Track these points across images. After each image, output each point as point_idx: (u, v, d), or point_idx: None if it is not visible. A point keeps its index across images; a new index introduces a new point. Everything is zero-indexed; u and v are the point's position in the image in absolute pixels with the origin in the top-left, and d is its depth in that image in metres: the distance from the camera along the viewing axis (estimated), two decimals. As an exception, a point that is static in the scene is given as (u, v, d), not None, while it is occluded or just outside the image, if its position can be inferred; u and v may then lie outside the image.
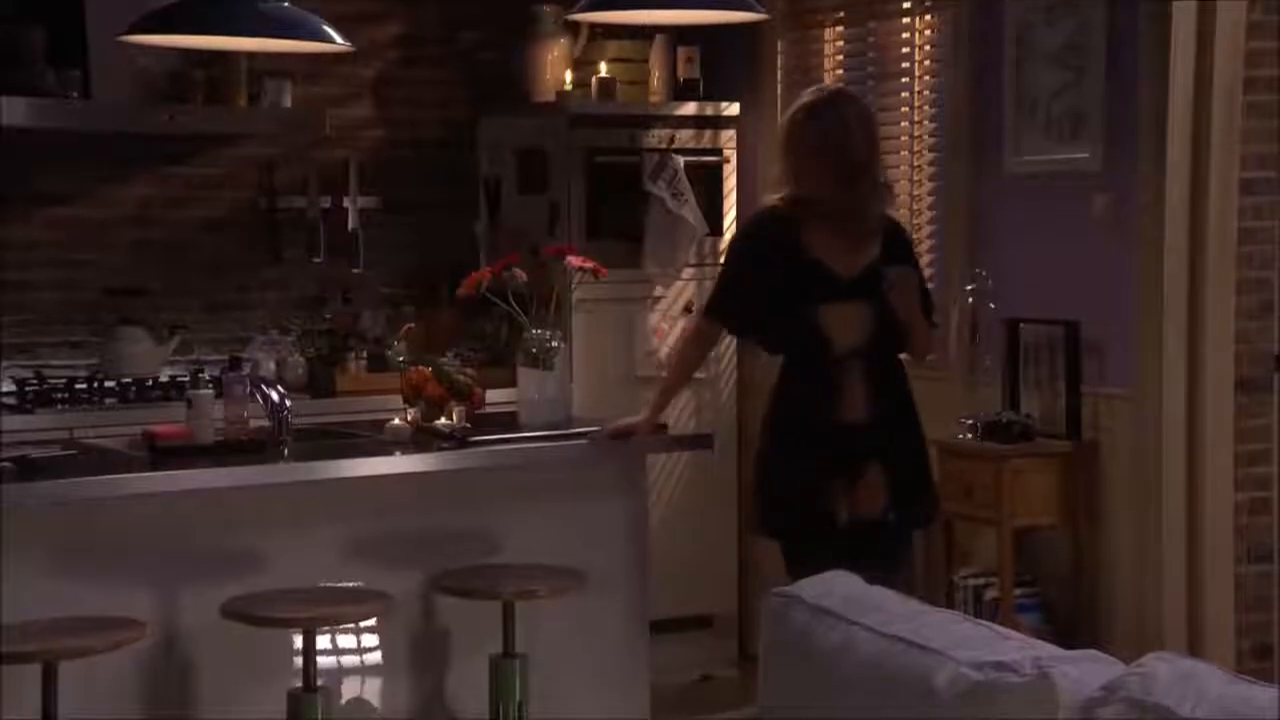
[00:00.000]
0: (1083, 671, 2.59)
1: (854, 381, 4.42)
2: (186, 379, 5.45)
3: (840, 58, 6.27)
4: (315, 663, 4.08)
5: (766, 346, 4.81)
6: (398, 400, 4.77)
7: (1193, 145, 5.01)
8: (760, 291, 4.47)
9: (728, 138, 6.31)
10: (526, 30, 6.33)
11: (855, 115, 4.48)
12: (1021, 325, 5.38)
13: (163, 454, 4.30)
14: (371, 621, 4.40)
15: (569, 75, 6.32)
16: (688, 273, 6.19)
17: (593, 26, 6.26)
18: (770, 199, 4.60)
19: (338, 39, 4.60)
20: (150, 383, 5.67)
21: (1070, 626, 5.23)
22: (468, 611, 4.41)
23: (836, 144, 4.39)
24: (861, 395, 4.42)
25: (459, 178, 6.45)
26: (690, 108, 6.30)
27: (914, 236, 5.93)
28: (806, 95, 4.52)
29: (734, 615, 6.31)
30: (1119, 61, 5.15)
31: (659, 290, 6.17)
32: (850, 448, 4.42)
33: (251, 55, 5.82)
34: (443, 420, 4.61)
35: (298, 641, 4.11)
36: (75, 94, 5.57)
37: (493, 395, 4.96)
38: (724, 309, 4.57)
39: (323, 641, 4.28)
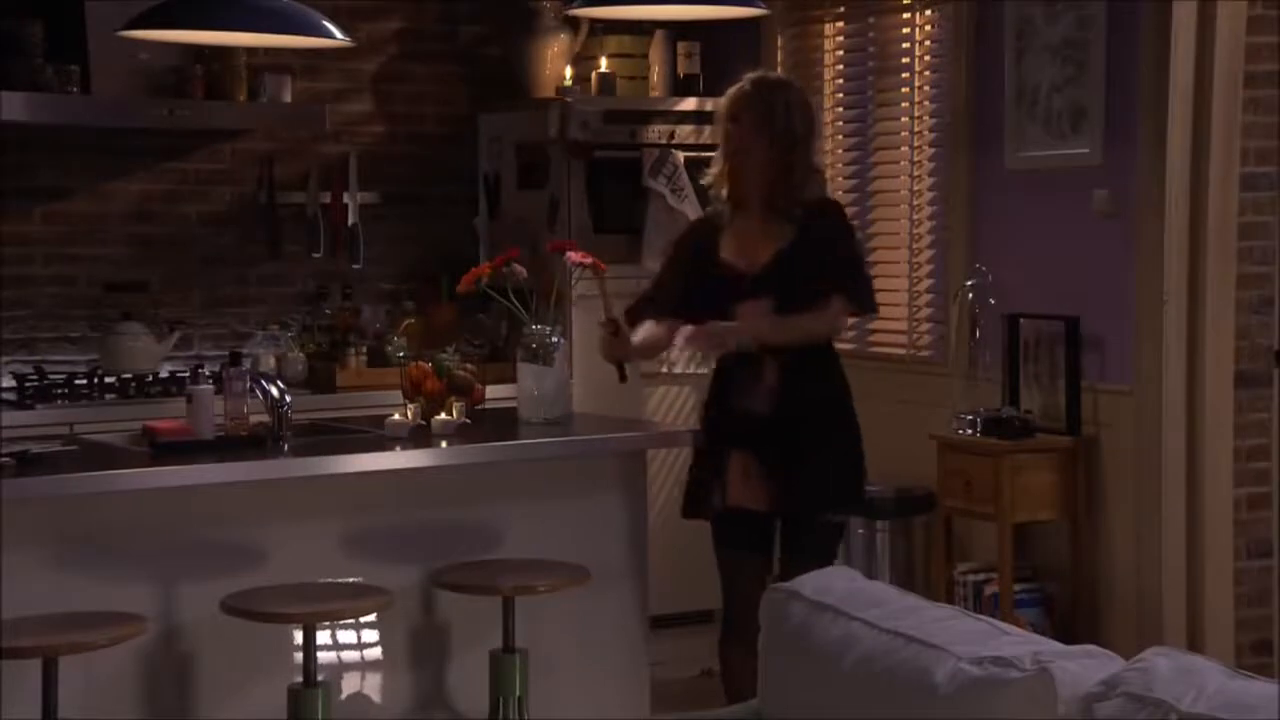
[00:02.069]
0: (1082, 667, 2.60)
1: (764, 375, 4.47)
2: (186, 374, 5.47)
3: (840, 53, 6.27)
4: (315, 658, 4.08)
5: None
6: (398, 395, 4.77)
7: (1193, 140, 5.02)
8: (676, 294, 4.64)
9: (728, 133, 6.30)
10: (526, 25, 6.32)
11: (795, 97, 4.57)
12: (1021, 321, 5.38)
13: (163, 449, 4.30)
14: (371, 617, 4.40)
15: (569, 70, 6.32)
16: (687, 268, 6.18)
17: (592, 22, 6.26)
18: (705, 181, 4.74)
19: (338, 34, 4.60)
20: (150, 378, 5.67)
21: (1070, 622, 5.24)
22: (467, 606, 4.41)
23: (777, 119, 4.47)
24: (770, 389, 4.47)
25: (459, 173, 6.45)
26: (690, 103, 6.29)
27: (916, 232, 5.94)
28: (751, 75, 4.62)
29: (734, 610, 6.30)
30: (1119, 56, 5.15)
31: (659, 285, 6.16)
32: (757, 440, 4.48)
33: (251, 50, 5.82)
34: (443, 415, 4.61)
35: (298, 637, 4.11)
36: (75, 89, 5.57)
37: (492, 391, 4.96)
38: (657, 310, 4.67)
39: (323, 637, 4.28)
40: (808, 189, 4.55)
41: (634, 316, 4.70)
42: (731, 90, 4.59)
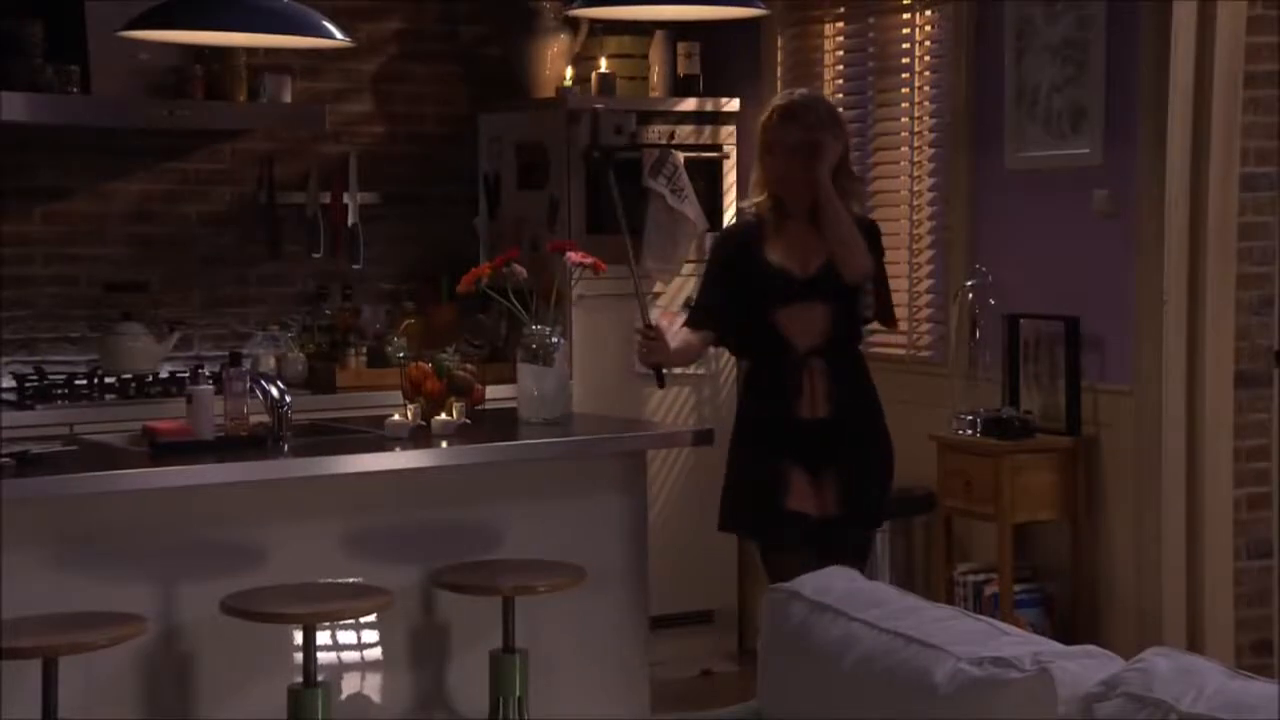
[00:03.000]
0: (1082, 667, 2.60)
1: (814, 379, 4.46)
2: (186, 375, 5.47)
3: (840, 53, 6.27)
4: (315, 658, 4.08)
5: (733, 350, 4.91)
6: (398, 396, 4.77)
7: (1193, 140, 5.02)
8: (726, 299, 4.56)
9: (728, 133, 6.31)
10: (526, 25, 6.32)
11: (828, 114, 4.54)
12: (1021, 321, 5.38)
13: (163, 450, 4.30)
14: (371, 617, 4.40)
15: (569, 71, 6.32)
16: (687, 268, 6.18)
17: (593, 22, 6.26)
18: (744, 205, 4.71)
19: (338, 34, 4.60)
20: (150, 378, 5.67)
21: (1070, 622, 5.24)
22: (467, 607, 4.41)
23: (811, 141, 4.44)
24: (822, 392, 4.46)
25: (459, 173, 6.45)
26: (690, 103, 6.29)
27: (916, 232, 5.95)
28: (780, 98, 4.59)
29: (734, 610, 6.31)
30: (1119, 56, 5.15)
31: (659, 286, 6.17)
32: (810, 445, 4.45)
33: (251, 50, 5.82)
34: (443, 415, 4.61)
35: (298, 637, 4.11)
36: (75, 89, 5.57)
37: (492, 391, 4.96)
38: (697, 320, 4.64)
39: (323, 637, 4.28)
40: (851, 200, 4.54)
41: (697, 323, 4.62)
42: (761, 120, 4.55)
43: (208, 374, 5.12)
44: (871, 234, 4.59)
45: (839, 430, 4.47)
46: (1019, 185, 5.51)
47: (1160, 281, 5.03)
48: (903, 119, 6.00)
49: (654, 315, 4.76)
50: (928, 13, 5.88)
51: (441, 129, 6.48)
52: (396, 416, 4.62)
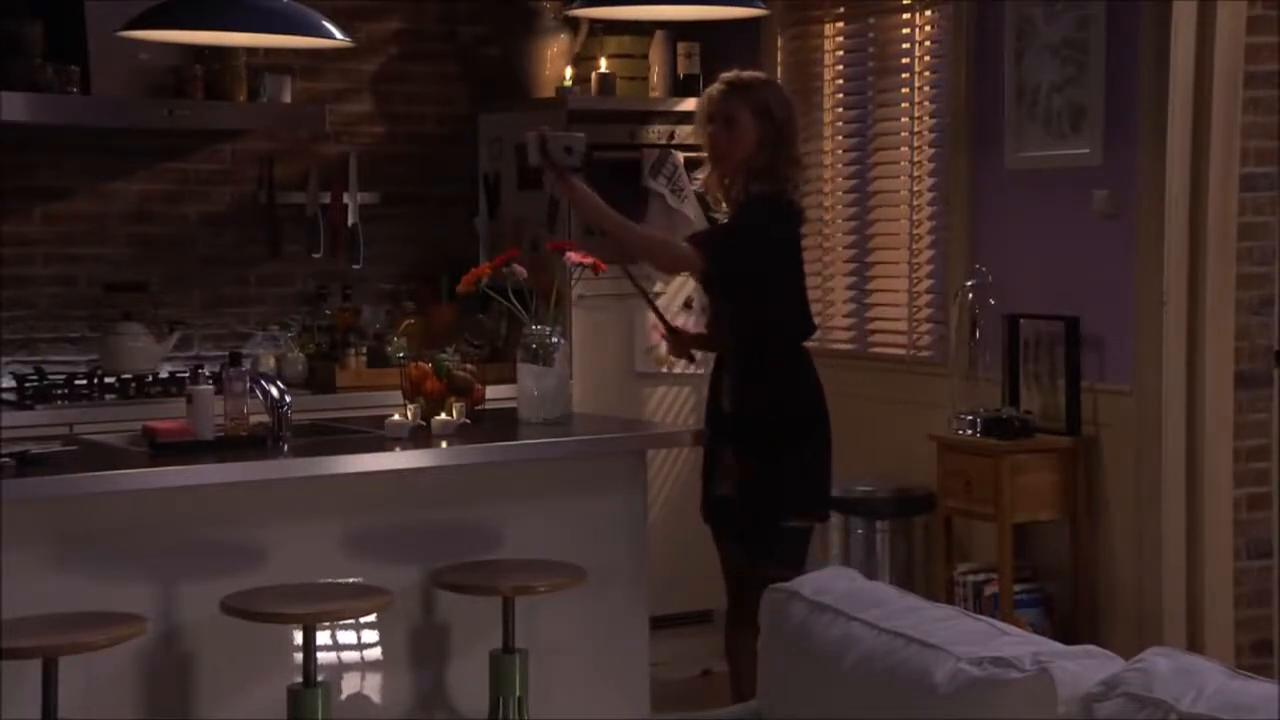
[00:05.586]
0: (1082, 667, 2.60)
1: (724, 373, 4.68)
2: (186, 375, 5.47)
3: (840, 53, 6.27)
4: (315, 658, 4.08)
5: None
6: (398, 396, 4.77)
7: (1193, 140, 5.02)
8: None
9: (728, 133, 6.30)
10: (526, 25, 6.33)
11: (770, 95, 4.66)
12: (1021, 321, 5.38)
13: (163, 450, 4.30)
14: (371, 617, 4.40)
15: (569, 71, 6.32)
16: (687, 268, 6.18)
17: (592, 22, 6.26)
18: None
19: (338, 34, 4.60)
20: (150, 379, 5.67)
21: (1070, 622, 5.24)
22: (467, 607, 4.41)
23: (729, 115, 4.58)
24: (726, 388, 4.64)
25: (459, 173, 6.45)
26: (690, 103, 6.27)
27: (916, 232, 5.94)
28: (724, 75, 4.70)
29: (734, 610, 6.30)
30: (1119, 56, 5.15)
31: (659, 286, 6.16)
32: (732, 437, 4.63)
33: (251, 50, 5.82)
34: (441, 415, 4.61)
35: (298, 637, 4.11)
36: (75, 89, 5.57)
37: (492, 391, 4.96)
38: None
39: (323, 637, 4.28)
40: (787, 182, 4.62)
41: None
42: (704, 95, 4.71)
43: (208, 374, 5.12)
44: (755, 203, 4.59)
45: (751, 426, 4.60)
46: (1019, 185, 5.51)
47: (1160, 281, 5.03)
48: (903, 119, 6.00)
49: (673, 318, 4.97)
50: (928, 13, 5.88)
51: (441, 129, 6.48)
52: (396, 416, 4.62)
